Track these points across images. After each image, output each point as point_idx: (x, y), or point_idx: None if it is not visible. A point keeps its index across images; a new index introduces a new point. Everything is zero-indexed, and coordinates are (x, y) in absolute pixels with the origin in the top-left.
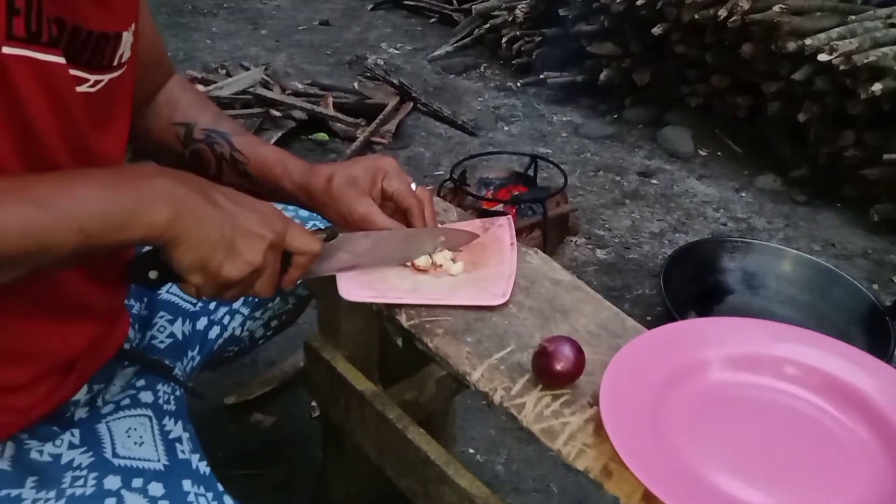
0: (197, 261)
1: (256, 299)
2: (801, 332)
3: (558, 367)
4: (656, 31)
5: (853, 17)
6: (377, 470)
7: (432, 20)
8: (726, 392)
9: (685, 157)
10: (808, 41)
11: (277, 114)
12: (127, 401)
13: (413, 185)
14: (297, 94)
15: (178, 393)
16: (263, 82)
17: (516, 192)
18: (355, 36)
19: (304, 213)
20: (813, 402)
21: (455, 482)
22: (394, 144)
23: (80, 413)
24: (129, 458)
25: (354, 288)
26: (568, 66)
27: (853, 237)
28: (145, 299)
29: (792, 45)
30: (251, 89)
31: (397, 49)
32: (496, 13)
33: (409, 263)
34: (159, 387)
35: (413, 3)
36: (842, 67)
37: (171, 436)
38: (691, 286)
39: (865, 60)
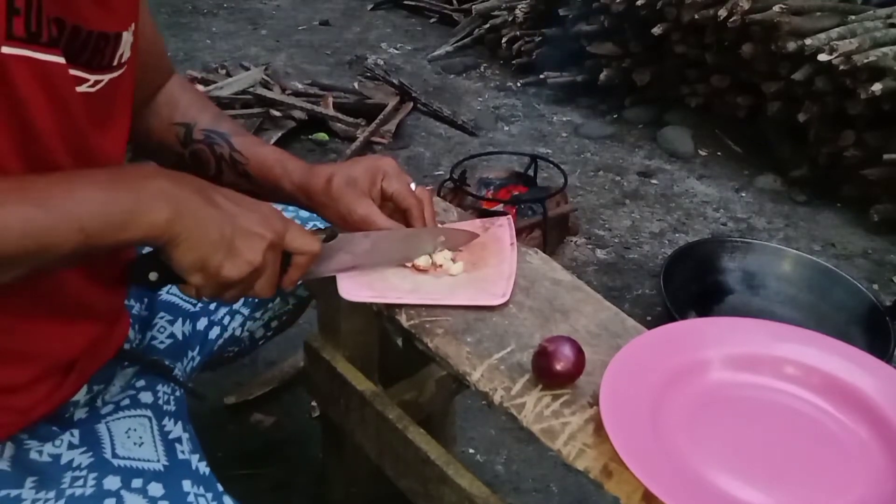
0: (196, 261)
1: (257, 300)
2: (801, 332)
3: (558, 367)
4: (656, 31)
5: (853, 17)
6: (377, 470)
7: (432, 20)
8: (726, 392)
9: (685, 157)
10: (808, 41)
11: (277, 114)
12: (127, 401)
13: (413, 186)
14: (297, 94)
15: (177, 393)
16: (263, 82)
17: (516, 192)
18: (355, 36)
19: (304, 213)
20: (813, 402)
21: (455, 482)
22: (394, 144)
23: (80, 413)
24: (129, 458)
25: (354, 288)
26: (568, 66)
27: (853, 237)
28: (145, 300)
29: (792, 45)
30: (251, 89)
31: (397, 49)
32: (496, 13)
33: (409, 264)
34: (159, 387)
35: (413, 3)
36: (842, 67)
37: (170, 436)
38: (691, 286)
39: (865, 60)
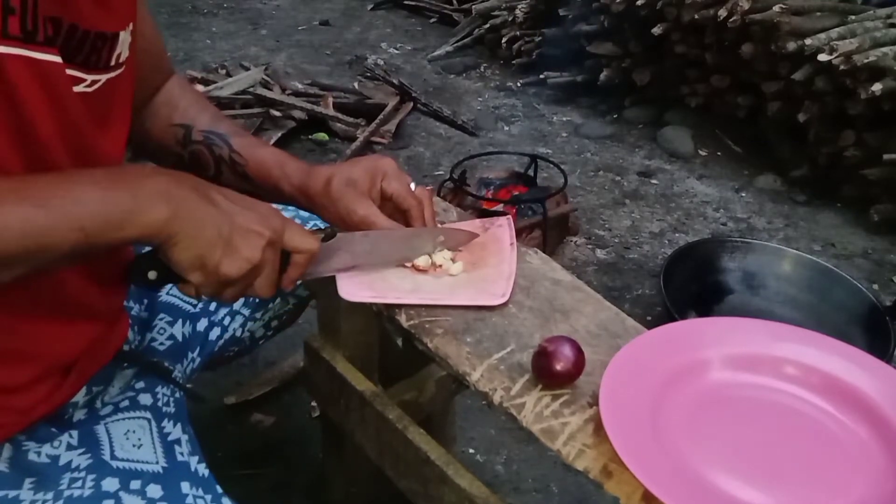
0: (195, 259)
1: (257, 300)
2: (800, 332)
3: (558, 367)
4: (656, 31)
5: (853, 17)
6: (377, 470)
7: (432, 20)
8: (726, 392)
9: (685, 157)
10: (808, 41)
11: (277, 114)
12: (126, 403)
13: (412, 185)
14: (297, 94)
15: (177, 395)
16: (263, 82)
17: (516, 192)
18: (355, 36)
19: (304, 213)
20: (813, 402)
21: (455, 482)
22: (394, 144)
23: (79, 415)
24: (128, 460)
25: (354, 288)
26: (568, 66)
27: (853, 237)
28: (145, 301)
29: (792, 45)
30: (251, 89)
31: (397, 49)
32: (496, 13)
33: (409, 264)
34: (158, 389)
35: (413, 3)
36: (842, 67)
37: (169, 438)
38: (691, 286)
39: (865, 60)
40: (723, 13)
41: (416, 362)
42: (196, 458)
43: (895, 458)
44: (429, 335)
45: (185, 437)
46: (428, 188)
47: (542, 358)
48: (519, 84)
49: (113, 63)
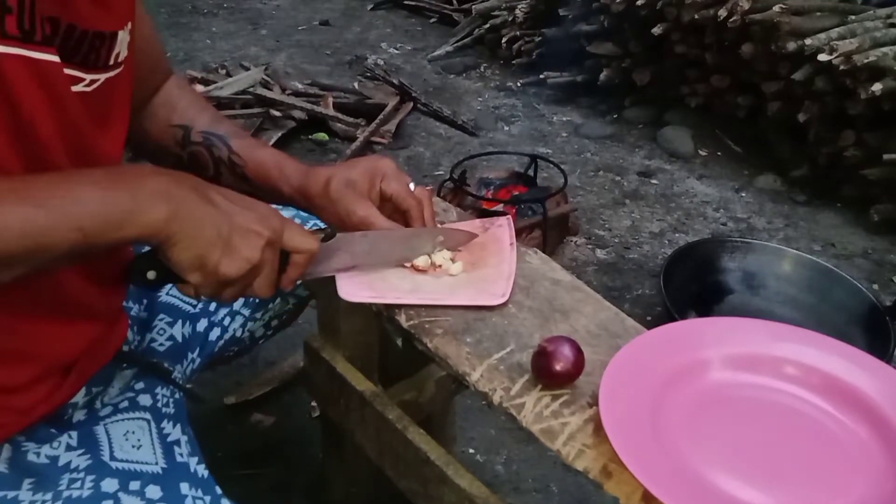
0: (194, 259)
1: (257, 301)
2: (800, 332)
3: (558, 367)
4: (656, 31)
5: (853, 17)
6: (377, 470)
7: (432, 20)
8: (726, 392)
9: (685, 157)
10: (808, 41)
11: (277, 114)
12: (125, 403)
13: (412, 186)
14: (297, 94)
15: (177, 396)
16: (263, 82)
17: (516, 192)
18: (355, 36)
19: (304, 213)
20: (813, 402)
21: (455, 482)
22: (394, 144)
23: (79, 415)
24: (127, 460)
25: (354, 288)
26: (568, 66)
27: (853, 237)
28: (144, 301)
29: (792, 45)
30: (251, 89)
31: (397, 49)
32: (496, 13)
33: (408, 264)
34: (158, 390)
35: (413, 3)
36: (842, 67)
37: (169, 439)
38: (691, 286)
39: (865, 60)
40: (723, 13)
41: (416, 362)
42: (195, 459)
43: (895, 458)
44: (429, 335)
45: (184, 438)
46: (428, 188)
47: (542, 358)
48: (519, 84)
49: (112, 62)
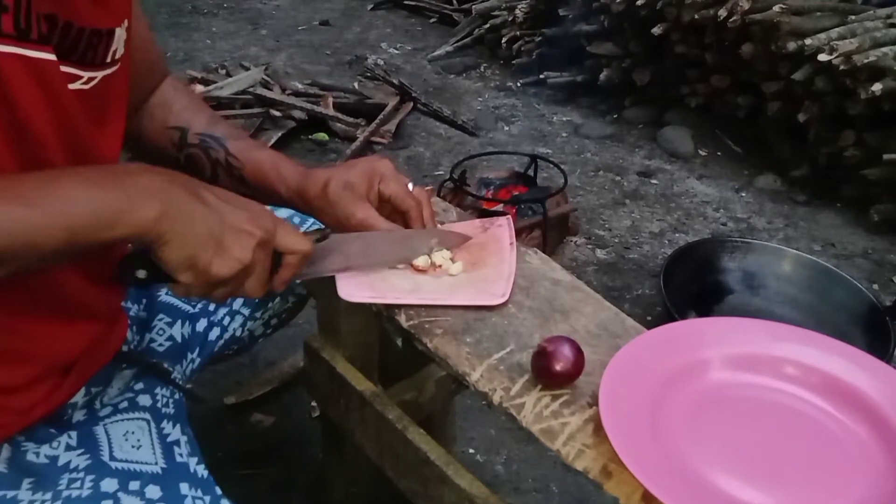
0: (186, 258)
1: (257, 299)
2: (800, 332)
3: (558, 367)
4: (656, 31)
5: (853, 17)
6: (377, 470)
7: (432, 20)
8: (726, 392)
9: (685, 157)
10: (808, 41)
11: (277, 114)
12: (125, 404)
13: (410, 186)
14: (297, 94)
15: (176, 396)
16: (263, 82)
17: (516, 192)
18: (355, 36)
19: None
20: (813, 402)
21: (455, 482)
22: (394, 144)
23: (78, 416)
24: (127, 460)
25: (354, 288)
26: (568, 66)
27: (853, 237)
28: (144, 301)
29: (792, 45)
30: (251, 89)
31: (397, 49)
32: (496, 13)
33: (401, 265)
34: (158, 390)
35: (413, 3)
36: (842, 67)
37: (169, 439)
38: (691, 286)
39: (865, 60)
40: (723, 13)
41: (416, 362)
42: (195, 460)
43: (895, 458)
44: (428, 335)
45: (184, 439)
46: (427, 188)
47: (542, 358)
48: (519, 84)
49: (109, 60)
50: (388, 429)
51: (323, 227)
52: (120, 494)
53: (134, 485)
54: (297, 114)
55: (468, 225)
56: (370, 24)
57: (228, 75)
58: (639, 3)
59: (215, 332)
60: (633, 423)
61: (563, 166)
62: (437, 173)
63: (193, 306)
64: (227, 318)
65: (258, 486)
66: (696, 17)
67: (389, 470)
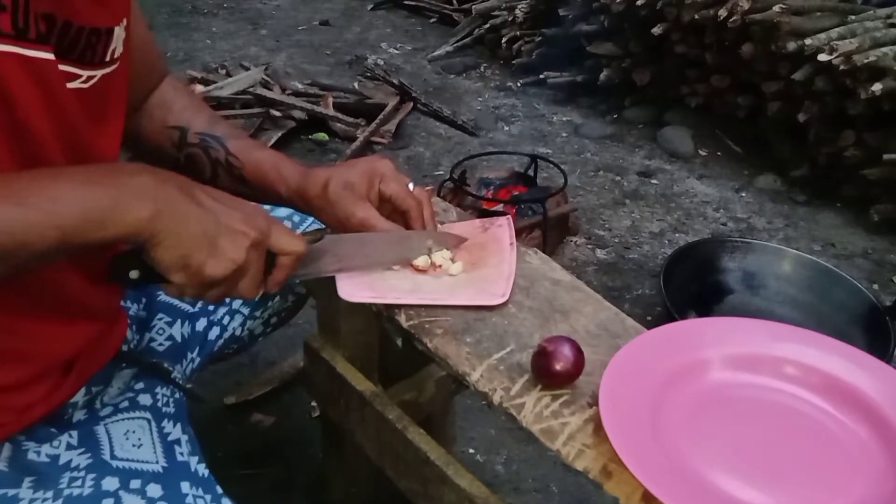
0: (179, 259)
1: (254, 299)
2: (800, 332)
3: (558, 367)
4: (656, 31)
5: (853, 17)
6: (377, 470)
7: (432, 20)
8: (726, 392)
9: (685, 157)
10: (808, 41)
11: (277, 114)
12: (125, 403)
13: (411, 186)
14: (297, 94)
15: (177, 395)
16: (263, 82)
17: (516, 192)
18: (355, 36)
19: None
20: (813, 402)
21: (455, 482)
22: (394, 144)
23: (79, 415)
24: (128, 459)
25: (354, 288)
26: (568, 66)
27: (853, 237)
28: (143, 300)
29: (792, 45)
30: (251, 89)
31: (397, 49)
32: (496, 13)
33: (399, 266)
34: (158, 389)
35: (413, 3)
36: (842, 67)
37: (169, 438)
38: (691, 286)
39: (865, 60)
40: (723, 13)
41: (416, 362)
42: (196, 459)
43: (895, 458)
44: (428, 335)
45: (184, 438)
46: (427, 188)
47: (542, 358)
48: (519, 84)
49: (108, 59)
50: (388, 429)
51: (323, 227)
52: (121, 493)
53: (135, 483)
54: (297, 114)
55: (468, 225)
56: (370, 24)
57: (228, 75)
58: (639, 3)
59: (215, 331)
60: (633, 423)
61: (563, 166)
62: (437, 173)
63: (193, 306)
64: (227, 318)
65: (258, 486)
66: (696, 17)
67: (389, 470)
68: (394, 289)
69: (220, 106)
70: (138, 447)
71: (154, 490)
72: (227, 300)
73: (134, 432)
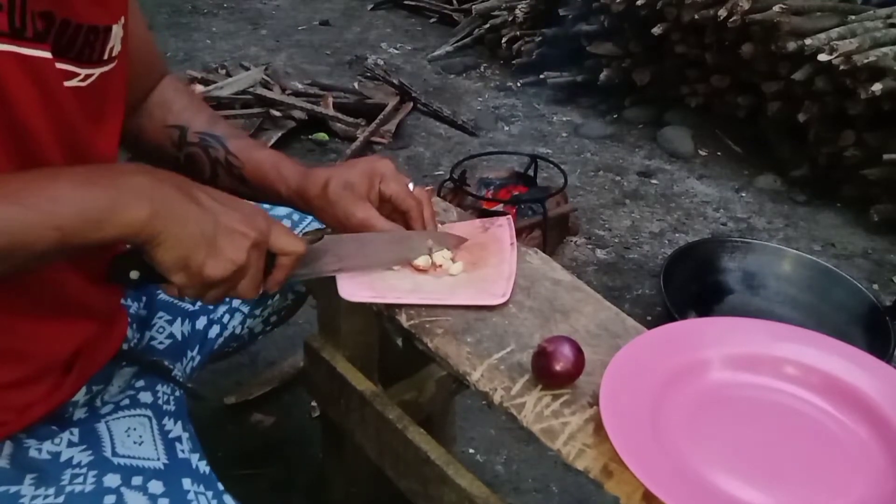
0: (179, 259)
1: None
2: (800, 332)
3: (558, 367)
4: (656, 31)
5: (853, 17)
6: (377, 470)
7: (432, 20)
8: (726, 392)
9: (685, 157)
10: (808, 41)
11: (277, 114)
12: (126, 401)
13: (411, 186)
14: (297, 94)
15: (177, 393)
16: (263, 82)
17: (516, 192)
18: (355, 36)
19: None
20: (813, 402)
21: (455, 482)
22: (394, 144)
23: (79, 413)
24: (129, 456)
25: (354, 288)
26: (568, 66)
27: (853, 237)
28: (143, 299)
29: (792, 45)
30: (251, 89)
31: (397, 49)
32: (496, 13)
33: (398, 266)
34: (159, 387)
35: (413, 3)
36: (842, 67)
37: (170, 435)
38: (691, 286)
39: (865, 60)
40: (723, 13)
41: (416, 362)
42: (197, 456)
43: (895, 458)
44: (429, 335)
45: (185, 435)
46: (428, 188)
47: (542, 358)
48: (519, 84)
49: (106, 57)
50: (388, 429)
51: (323, 226)
52: (123, 489)
53: (136, 480)
54: (297, 114)
55: (468, 225)
56: (370, 24)
57: (228, 75)
58: (639, 3)
59: (215, 329)
60: (633, 423)
61: (563, 166)
62: (437, 173)
63: (193, 304)
64: (227, 316)
65: (258, 486)
66: (696, 17)
67: (389, 470)
68: (394, 288)
69: (220, 106)
70: (139, 444)
71: (156, 486)
72: (227, 299)
73: (135, 429)
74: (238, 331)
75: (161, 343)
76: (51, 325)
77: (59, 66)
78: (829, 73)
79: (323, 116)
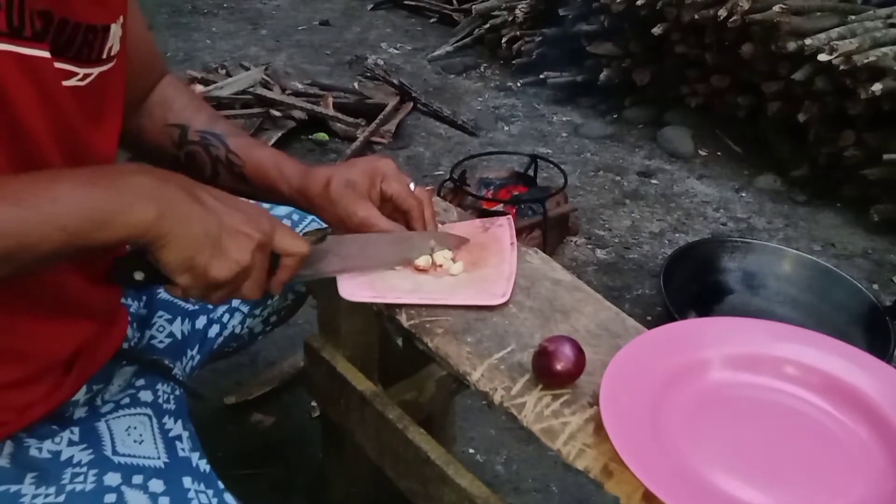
0: (183, 260)
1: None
2: (800, 332)
3: (558, 367)
4: (656, 31)
5: (853, 17)
6: (377, 470)
7: (432, 20)
8: (726, 392)
9: (685, 157)
10: (808, 41)
11: (277, 114)
12: (126, 400)
13: (412, 186)
14: (297, 94)
15: (177, 392)
16: (263, 82)
17: (516, 192)
18: (355, 36)
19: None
20: (813, 402)
21: (455, 482)
22: (394, 144)
23: (80, 412)
24: (129, 455)
25: (354, 288)
26: (568, 66)
27: (853, 237)
28: (144, 298)
29: (792, 45)
30: (251, 89)
31: (397, 49)
32: (496, 13)
33: (397, 267)
34: (159, 386)
35: (413, 3)
36: (842, 67)
37: (170, 434)
38: (691, 286)
39: (865, 60)
40: (723, 13)
41: (416, 362)
42: (197, 454)
43: (895, 458)
44: (429, 335)
45: (185, 434)
46: (428, 188)
47: (543, 358)
48: (519, 84)
49: (104, 56)
50: (388, 429)
51: (325, 226)
52: (123, 488)
53: (137, 479)
54: (297, 114)
55: (469, 225)
56: (370, 24)
57: (228, 75)
58: (639, 3)
59: (215, 329)
60: (633, 423)
61: (563, 166)
62: (437, 173)
63: (193, 303)
64: (227, 316)
65: (258, 486)
66: (696, 17)
67: (389, 470)
68: (394, 288)
69: (220, 106)
70: (140, 443)
71: (156, 485)
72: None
73: (135, 428)
74: (238, 330)
75: (161, 342)
76: (51, 325)
77: (57, 65)
78: (829, 73)
79: (323, 116)
